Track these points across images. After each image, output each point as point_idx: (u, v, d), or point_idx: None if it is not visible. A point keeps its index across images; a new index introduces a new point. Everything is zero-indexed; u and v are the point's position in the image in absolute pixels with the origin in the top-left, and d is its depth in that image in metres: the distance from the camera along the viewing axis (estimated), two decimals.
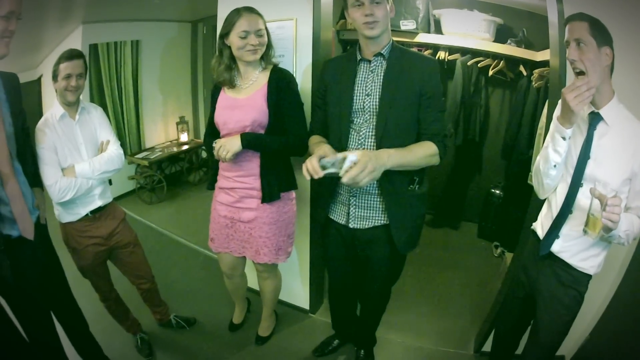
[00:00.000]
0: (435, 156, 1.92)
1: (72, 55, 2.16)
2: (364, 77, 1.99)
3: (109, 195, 2.44)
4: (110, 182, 2.44)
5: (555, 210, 1.77)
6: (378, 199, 2.03)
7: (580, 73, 1.59)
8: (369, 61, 1.99)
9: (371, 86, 1.97)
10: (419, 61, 1.95)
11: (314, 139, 2.16)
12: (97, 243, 2.35)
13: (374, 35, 1.88)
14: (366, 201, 2.05)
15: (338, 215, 2.15)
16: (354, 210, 2.08)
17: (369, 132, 1.96)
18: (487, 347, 2.56)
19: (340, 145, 2.00)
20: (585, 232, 1.56)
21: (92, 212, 2.31)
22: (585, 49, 1.56)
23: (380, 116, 1.92)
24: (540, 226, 1.88)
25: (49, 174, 2.12)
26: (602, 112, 1.62)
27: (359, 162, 1.65)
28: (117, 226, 2.44)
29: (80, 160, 2.24)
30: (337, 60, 2.17)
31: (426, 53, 3.93)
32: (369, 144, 1.96)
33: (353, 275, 2.37)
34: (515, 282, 2.07)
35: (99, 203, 2.33)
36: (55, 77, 2.16)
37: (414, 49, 3.02)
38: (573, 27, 1.59)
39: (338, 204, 2.15)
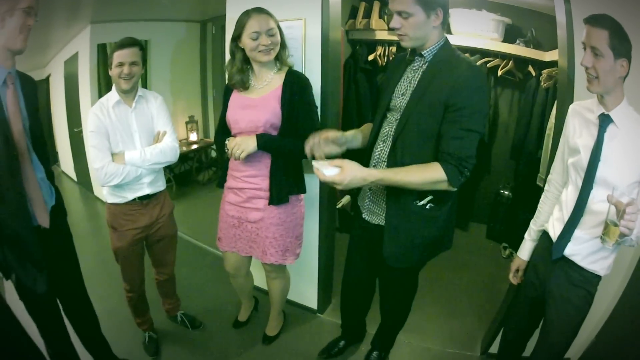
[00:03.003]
0: (441, 182, 1.73)
1: (123, 43, 2.18)
2: (407, 77, 1.91)
3: (161, 184, 2.47)
4: None
5: (567, 214, 1.75)
6: (384, 200, 1.98)
7: (593, 78, 1.58)
8: (413, 61, 1.90)
9: (407, 86, 1.89)
10: (457, 67, 1.74)
11: (365, 125, 2.18)
12: (137, 228, 2.38)
13: (406, 47, 1.84)
14: (378, 197, 2.02)
15: (362, 203, 2.14)
16: (368, 203, 2.07)
17: (390, 131, 1.91)
18: (494, 348, 2.56)
19: (371, 138, 2.02)
20: (603, 240, 1.53)
21: (140, 198, 2.34)
22: (601, 60, 1.53)
23: (402, 117, 1.84)
24: (552, 228, 1.85)
25: (97, 158, 2.17)
26: (612, 114, 1.61)
27: (337, 176, 1.67)
28: (162, 217, 2.48)
29: (133, 148, 2.27)
30: (399, 57, 2.10)
31: None
32: (388, 143, 1.92)
33: (367, 271, 2.34)
34: (525, 282, 2.05)
35: (147, 191, 2.36)
36: (110, 64, 2.19)
37: None
38: (592, 33, 1.53)
39: (362, 192, 2.14)
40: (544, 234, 1.94)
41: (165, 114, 2.42)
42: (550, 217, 1.91)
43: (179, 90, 5.98)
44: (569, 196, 1.77)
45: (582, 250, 1.72)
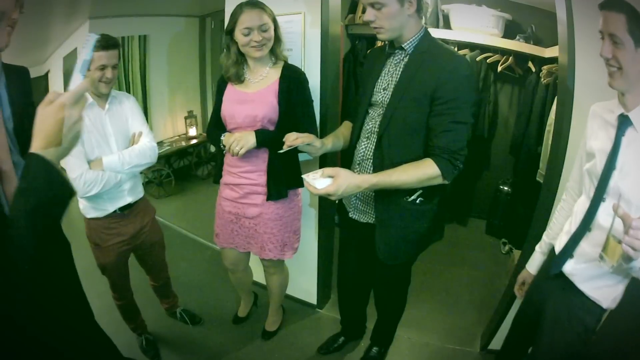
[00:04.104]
0: (435, 178, 1.72)
1: (108, 44, 2.00)
2: (387, 70, 1.88)
3: (141, 190, 2.36)
4: None
5: (575, 226, 1.54)
6: (372, 197, 1.97)
7: (615, 71, 1.32)
8: (394, 54, 1.87)
9: (389, 80, 1.85)
10: (442, 59, 1.71)
11: (343, 125, 2.19)
12: (122, 241, 2.29)
13: (383, 40, 1.81)
14: (365, 195, 2.00)
15: (347, 202, 2.13)
16: (355, 201, 2.06)
17: (374, 127, 1.89)
18: (493, 345, 2.56)
19: (354, 134, 2.00)
20: (601, 257, 1.30)
21: (121, 209, 2.24)
22: (621, 49, 1.27)
23: (386, 113, 1.81)
24: (559, 240, 1.65)
25: (74, 167, 2.00)
26: (632, 115, 1.36)
27: (331, 187, 1.65)
28: (146, 225, 2.38)
29: (109, 152, 2.13)
30: (377, 50, 2.10)
31: None
32: (373, 139, 1.89)
33: (360, 269, 2.34)
34: (526, 299, 1.89)
35: (128, 199, 2.25)
36: None
37: None
38: (608, 18, 1.29)
39: None
40: (552, 249, 1.73)
41: (140, 114, 2.29)
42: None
43: (178, 85, 5.96)
44: (580, 207, 1.56)
45: (584, 270, 1.51)
